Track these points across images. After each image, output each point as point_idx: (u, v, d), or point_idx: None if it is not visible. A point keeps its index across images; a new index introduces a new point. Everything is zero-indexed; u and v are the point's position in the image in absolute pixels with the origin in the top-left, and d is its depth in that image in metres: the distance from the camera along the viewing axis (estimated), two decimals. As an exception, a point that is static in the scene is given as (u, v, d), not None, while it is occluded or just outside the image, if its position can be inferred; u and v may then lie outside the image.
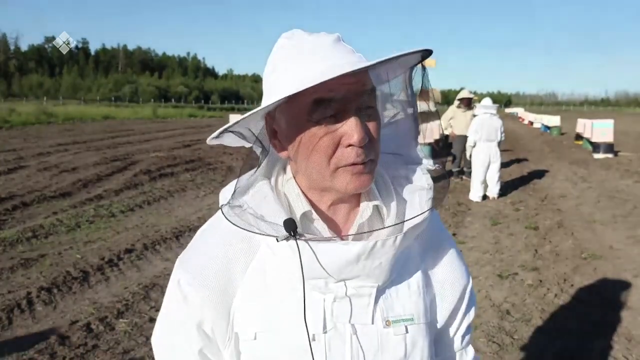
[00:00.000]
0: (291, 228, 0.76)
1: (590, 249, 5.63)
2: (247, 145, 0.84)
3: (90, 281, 4.55)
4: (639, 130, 26.19)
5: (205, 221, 0.94)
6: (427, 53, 0.76)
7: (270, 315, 0.82)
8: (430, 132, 6.88)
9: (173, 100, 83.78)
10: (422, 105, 0.86)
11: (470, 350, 1.00)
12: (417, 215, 0.80)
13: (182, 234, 5.96)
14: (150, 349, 0.94)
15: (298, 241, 0.76)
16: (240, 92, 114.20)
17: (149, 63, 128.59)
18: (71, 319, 3.81)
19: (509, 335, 3.66)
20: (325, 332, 0.80)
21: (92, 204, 7.52)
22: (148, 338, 3.44)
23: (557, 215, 7.30)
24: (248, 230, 0.77)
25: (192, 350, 0.87)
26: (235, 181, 0.84)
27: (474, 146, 8.63)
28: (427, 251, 0.91)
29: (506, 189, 9.10)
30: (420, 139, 0.88)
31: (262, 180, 0.85)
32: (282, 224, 0.77)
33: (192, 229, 6.02)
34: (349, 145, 0.76)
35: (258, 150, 0.84)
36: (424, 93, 0.83)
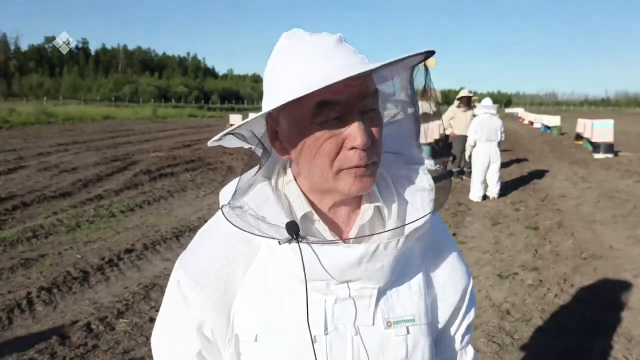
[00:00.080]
0: (294, 231, 0.76)
1: (590, 249, 5.63)
2: (247, 146, 0.84)
3: (91, 281, 4.55)
4: (639, 130, 26.18)
5: (206, 221, 0.93)
6: (429, 54, 0.76)
7: (271, 316, 0.81)
8: (431, 132, 6.88)
9: (173, 100, 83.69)
10: (423, 105, 0.86)
11: (470, 350, 1.00)
12: (420, 219, 0.80)
13: (182, 234, 5.96)
14: (150, 349, 0.94)
15: (300, 244, 0.76)
16: (241, 92, 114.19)
17: (149, 63, 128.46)
18: (71, 319, 3.81)
19: (509, 335, 3.66)
20: (326, 334, 0.80)
21: (92, 204, 7.52)
22: (148, 338, 3.43)
23: (557, 215, 7.30)
24: (249, 232, 0.77)
25: (192, 352, 0.87)
26: (235, 181, 0.84)
27: (474, 146, 8.63)
28: (428, 252, 0.91)
29: (506, 189, 9.09)
30: (421, 139, 0.88)
31: (262, 181, 0.84)
32: (284, 226, 0.76)
33: (192, 229, 6.02)
34: (352, 148, 0.75)
35: (259, 152, 0.84)
36: (426, 93, 0.83)
